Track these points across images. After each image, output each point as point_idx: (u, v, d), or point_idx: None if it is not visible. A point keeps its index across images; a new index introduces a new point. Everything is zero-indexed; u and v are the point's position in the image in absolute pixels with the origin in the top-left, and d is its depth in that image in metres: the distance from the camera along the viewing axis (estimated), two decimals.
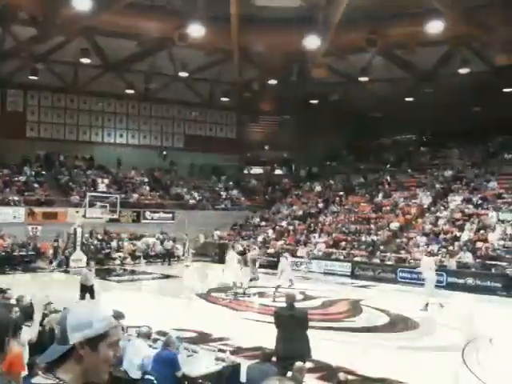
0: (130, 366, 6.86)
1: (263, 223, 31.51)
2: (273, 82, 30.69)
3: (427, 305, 14.73)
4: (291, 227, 29.39)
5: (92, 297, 13.60)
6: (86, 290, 13.68)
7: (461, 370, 9.31)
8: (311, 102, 34.23)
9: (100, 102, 33.85)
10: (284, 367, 6.40)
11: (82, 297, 13.44)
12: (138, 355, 6.88)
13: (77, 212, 25.22)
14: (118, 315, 8.13)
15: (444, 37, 24.32)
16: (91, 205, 25.45)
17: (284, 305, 7.85)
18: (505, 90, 28.01)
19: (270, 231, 29.54)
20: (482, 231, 22.38)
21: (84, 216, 24.83)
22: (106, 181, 30.89)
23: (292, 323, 7.42)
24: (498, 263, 19.97)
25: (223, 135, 37.86)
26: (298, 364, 5.90)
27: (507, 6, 22.45)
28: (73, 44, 26.98)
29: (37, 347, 6.02)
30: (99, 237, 26.88)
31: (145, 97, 33.89)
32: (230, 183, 36.84)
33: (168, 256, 26.66)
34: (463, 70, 26.61)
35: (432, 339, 11.73)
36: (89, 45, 27.82)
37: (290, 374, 6.16)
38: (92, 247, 25.73)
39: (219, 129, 37.86)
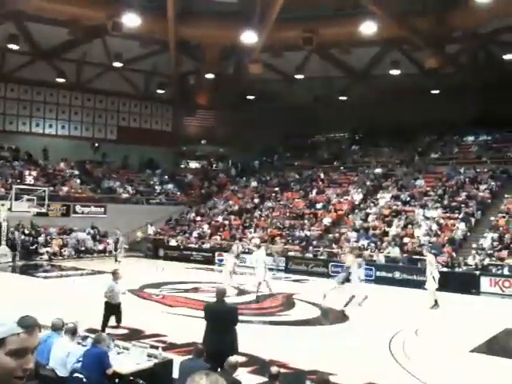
0: (57, 364, 6.62)
1: (199, 218, 31.33)
2: (210, 75, 30.53)
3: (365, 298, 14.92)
4: (227, 222, 29.42)
5: (118, 320, 11.03)
6: (112, 311, 10.96)
7: (388, 361, 9.66)
8: (248, 97, 34.37)
9: (29, 91, 32.37)
10: (213, 361, 6.39)
11: (106, 319, 10.71)
12: (65, 353, 6.64)
13: (2, 205, 24.02)
14: (29, 323, 7.59)
15: (377, 38, 25.12)
16: (17, 198, 24.34)
17: (215, 299, 7.80)
18: (433, 91, 29.31)
19: (206, 226, 29.44)
20: (409, 227, 23.35)
21: (10, 209, 23.70)
22: (34, 173, 29.60)
23: (220, 318, 7.39)
24: (424, 258, 20.87)
25: (159, 128, 37.27)
26: (231, 359, 5.90)
27: (438, 11, 23.50)
28: (0, 28, 25.64)
29: None
30: (26, 231, 25.76)
31: (76, 86, 32.74)
32: (165, 177, 36.34)
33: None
34: (394, 72, 27.62)
35: (361, 332, 12.10)
36: (18, 30, 26.53)
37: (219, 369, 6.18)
38: (18, 242, 24.62)
39: (154, 121, 37.23)
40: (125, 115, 36.07)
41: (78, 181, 31.48)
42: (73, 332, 7.02)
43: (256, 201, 31.40)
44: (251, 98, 34.45)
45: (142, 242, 29.18)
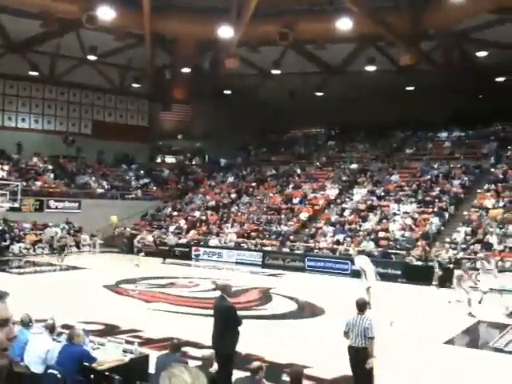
0: (31, 360, 6.53)
1: (175, 213, 31.17)
2: (186, 70, 30.33)
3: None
4: (204, 217, 29.34)
5: None
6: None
7: None
8: (225, 92, 34.27)
9: (1, 84, 31.67)
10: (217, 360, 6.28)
11: None
12: (40, 349, 6.55)
13: None
14: (1, 295, 7.51)
15: (352, 35, 25.27)
16: None
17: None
18: (408, 88, 29.65)
19: (183, 221, 29.31)
20: (384, 221, 23.63)
21: None
22: (6, 167, 29.01)
23: (217, 316, 7.27)
24: (398, 252, 21.20)
25: (134, 123, 36.89)
26: (206, 352, 5.91)
27: (413, 8, 23.75)
28: None
29: None
30: None
31: (50, 79, 32.16)
32: (141, 172, 36.02)
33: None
34: (369, 68, 27.86)
35: (337, 325, 12.20)
36: None
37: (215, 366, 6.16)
38: None
39: (130, 116, 36.83)
40: (100, 109, 35.59)
41: (52, 175, 30.97)
42: (51, 329, 6.93)
43: (233, 196, 31.38)
44: (228, 92, 34.36)
45: (116, 236, 28.86)
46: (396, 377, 8.39)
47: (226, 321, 7.08)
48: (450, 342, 10.88)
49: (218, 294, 7.57)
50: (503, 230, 20.63)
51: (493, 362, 9.50)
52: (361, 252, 20.79)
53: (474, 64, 27.46)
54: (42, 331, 6.88)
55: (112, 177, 34.16)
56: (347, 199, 27.12)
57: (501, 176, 24.65)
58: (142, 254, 22.39)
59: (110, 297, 15.31)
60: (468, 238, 20.89)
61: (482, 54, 26.29)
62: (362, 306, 7.13)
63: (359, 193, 27.21)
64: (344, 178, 29.57)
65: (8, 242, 24.71)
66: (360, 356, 6.74)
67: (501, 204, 22.47)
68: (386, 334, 11.29)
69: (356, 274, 20.14)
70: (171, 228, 28.49)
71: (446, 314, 13.61)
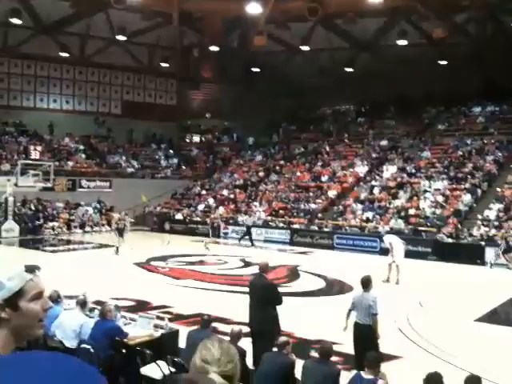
0: (65, 335, 6.72)
1: (204, 192, 31.39)
2: (214, 48, 30.19)
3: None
4: (232, 196, 29.47)
5: None
6: None
7: (393, 332, 9.76)
8: (253, 70, 34.02)
9: (32, 66, 32.16)
10: (255, 338, 6.30)
11: None
12: (73, 324, 6.74)
13: (8, 180, 24.11)
14: (32, 268, 7.72)
15: (383, 8, 24.65)
16: (23, 173, 24.43)
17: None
18: (440, 62, 28.87)
19: (211, 200, 29.50)
20: (414, 199, 23.30)
21: (16, 185, 23.82)
22: (39, 148, 29.63)
23: (255, 293, 7.26)
24: (429, 229, 20.92)
25: (163, 102, 37.02)
26: (235, 328, 5.99)
27: None
28: (2, 3, 25.33)
29: None
30: (32, 206, 25.92)
31: (80, 60, 32.47)
32: (170, 151, 36.28)
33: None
34: (401, 42, 27.18)
35: None
36: (20, 4, 26.21)
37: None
38: (25, 217, 24.82)
39: (159, 95, 36.97)
40: (129, 89, 35.83)
41: (83, 155, 31.51)
42: (82, 304, 7.11)
43: (261, 174, 31.36)
44: (256, 70, 34.09)
45: (146, 215, 29.26)
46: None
47: (267, 299, 7.06)
48: (481, 319, 10.74)
49: (250, 271, 7.63)
50: None
51: None
52: (390, 230, 20.61)
53: (509, 36, 26.49)
54: (73, 307, 7.07)
55: (142, 156, 34.53)
56: (377, 176, 26.79)
57: None
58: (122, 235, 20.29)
59: (140, 274, 15.59)
60: (501, 214, 20.45)
61: None
62: (366, 283, 7.05)
63: (389, 170, 26.84)
64: (374, 155, 29.18)
65: (42, 221, 25.34)
66: (364, 333, 6.71)
67: None
68: (417, 313, 11.23)
69: (385, 251, 20.08)
70: (200, 207, 28.71)
71: (478, 292, 13.42)
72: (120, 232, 20.26)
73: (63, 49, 30.40)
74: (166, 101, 37.20)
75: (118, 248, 19.24)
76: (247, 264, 17.05)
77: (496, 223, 19.99)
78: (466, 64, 26.72)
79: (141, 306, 10.86)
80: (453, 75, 27.56)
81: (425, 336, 9.29)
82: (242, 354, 5.81)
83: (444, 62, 28.85)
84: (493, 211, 20.82)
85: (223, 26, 29.00)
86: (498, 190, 22.29)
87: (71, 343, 6.67)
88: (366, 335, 6.70)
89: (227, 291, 12.83)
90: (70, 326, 6.74)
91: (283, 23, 27.70)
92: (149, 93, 36.59)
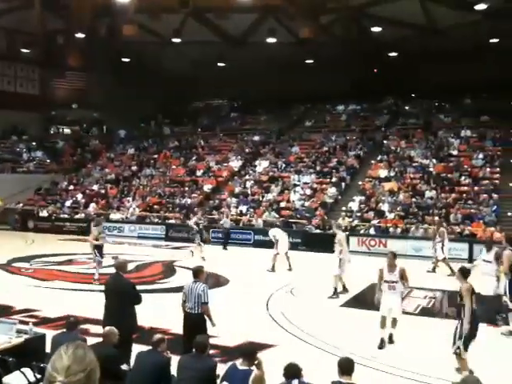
0: None
1: (71, 187, 29.76)
2: (80, 35, 28.64)
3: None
4: (103, 191, 28.32)
5: None
6: None
7: (266, 320, 10.06)
8: (123, 60, 32.89)
9: None
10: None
11: None
12: None
13: None
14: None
15: (254, 4, 25.16)
16: None
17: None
18: (307, 61, 30.22)
19: (80, 195, 28.09)
20: (285, 192, 24.23)
21: None
22: None
23: (112, 294, 7.03)
24: (299, 221, 21.89)
25: (24, 91, 34.35)
26: (107, 328, 5.76)
27: None
28: None
29: None
30: None
31: None
32: (33, 144, 33.83)
33: None
34: (270, 40, 27.97)
35: (241, 292, 12.43)
36: None
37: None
38: None
39: (19, 84, 34.23)
40: None
41: None
42: None
43: (134, 168, 30.51)
44: (127, 60, 33.00)
45: (7, 212, 27.09)
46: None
47: (125, 299, 6.88)
48: (346, 304, 11.48)
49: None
50: (394, 198, 21.97)
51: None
52: (264, 222, 21.26)
53: (372, 39, 28.45)
54: None
55: (0, 149, 31.78)
56: (250, 171, 27.41)
57: (392, 148, 26.11)
58: None
59: (2, 276, 14.39)
60: (362, 206, 22.03)
61: (376, 29, 27.27)
62: (196, 273, 7.20)
63: (262, 164, 27.59)
64: (247, 150, 29.80)
65: None
66: (196, 321, 6.87)
67: (392, 174, 23.86)
68: (287, 301, 11.69)
69: (258, 244, 20.63)
70: (67, 203, 27.21)
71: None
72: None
73: None
74: (28, 89, 34.60)
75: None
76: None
77: (358, 214, 21.49)
78: (332, 64, 28.25)
79: (2, 311, 10.01)
80: (319, 74, 29.01)
81: (296, 323, 9.70)
82: (110, 357, 5.36)
83: (311, 62, 30.26)
84: (355, 203, 22.35)
85: (91, 13, 27.58)
86: (360, 183, 23.99)
87: None
88: (196, 324, 6.82)
89: (99, 291, 12.28)
90: None
91: (155, 14, 27.08)
92: (8, 80, 33.76)
